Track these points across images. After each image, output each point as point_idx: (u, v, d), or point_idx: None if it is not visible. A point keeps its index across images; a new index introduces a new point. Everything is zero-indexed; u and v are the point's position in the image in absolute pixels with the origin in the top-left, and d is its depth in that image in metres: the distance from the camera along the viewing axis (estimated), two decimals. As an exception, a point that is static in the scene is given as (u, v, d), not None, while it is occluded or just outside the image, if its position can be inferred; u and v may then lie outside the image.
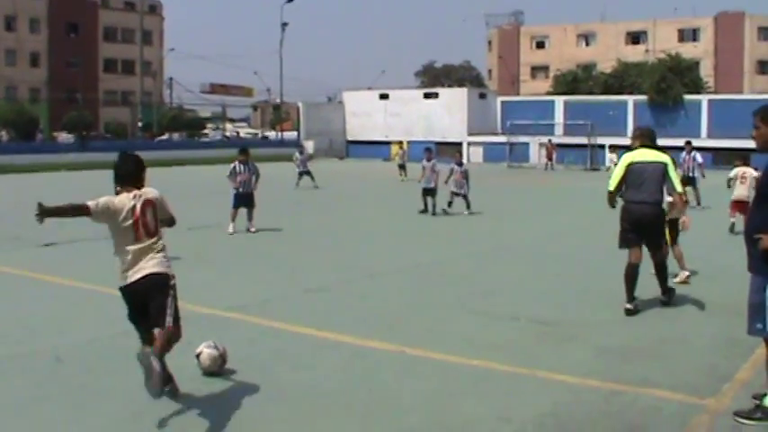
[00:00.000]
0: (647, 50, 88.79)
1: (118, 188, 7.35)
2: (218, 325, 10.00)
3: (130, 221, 7.13)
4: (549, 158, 50.89)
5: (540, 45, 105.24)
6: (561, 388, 7.53)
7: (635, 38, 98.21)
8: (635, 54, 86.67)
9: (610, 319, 10.33)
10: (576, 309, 10.96)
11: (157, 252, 7.28)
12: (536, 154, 54.55)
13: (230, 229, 19.10)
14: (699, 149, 26.64)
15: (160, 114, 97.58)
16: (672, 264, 11.88)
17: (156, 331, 7.02)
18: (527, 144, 56.05)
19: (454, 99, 62.20)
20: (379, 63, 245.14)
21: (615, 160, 26.99)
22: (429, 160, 24.11)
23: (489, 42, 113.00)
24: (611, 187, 10.61)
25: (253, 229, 19.31)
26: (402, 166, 39.31)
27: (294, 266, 14.63)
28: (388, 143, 59.97)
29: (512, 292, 12.18)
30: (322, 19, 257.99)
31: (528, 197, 29.48)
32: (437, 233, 19.54)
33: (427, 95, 65.28)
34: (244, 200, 19.47)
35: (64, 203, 7.32)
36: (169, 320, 7.03)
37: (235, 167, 19.58)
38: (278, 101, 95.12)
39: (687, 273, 12.72)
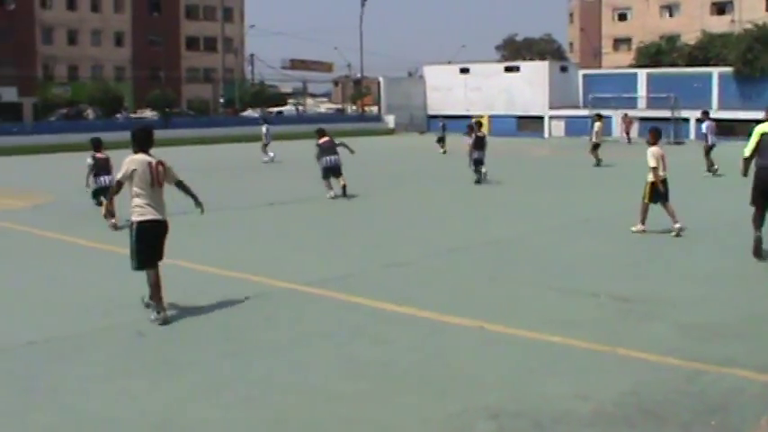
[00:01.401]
0: (732, 21, 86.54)
1: (136, 149, 9.53)
2: (298, 299, 10.08)
3: (148, 172, 9.29)
4: (627, 132, 50.07)
5: (623, 17, 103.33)
6: (642, 366, 7.42)
7: (720, 8, 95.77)
8: (720, 25, 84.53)
9: (694, 296, 10.16)
10: (659, 285, 10.79)
11: (162, 200, 9.53)
12: (619, 128, 53.70)
13: (331, 193, 20.73)
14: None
15: (242, 91, 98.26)
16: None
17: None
18: (609, 118, 55.22)
19: (535, 72, 61.49)
20: (460, 37, 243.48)
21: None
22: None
23: (571, 15, 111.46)
24: (747, 154, 12.34)
25: (342, 192, 20.78)
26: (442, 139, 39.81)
27: (373, 241, 14.66)
28: (468, 117, 59.64)
29: (592, 268, 12.05)
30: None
31: (608, 171, 29.06)
32: (514, 207, 19.40)
33: (508, 69, 64.62)
34: (333, 171, 21.04)
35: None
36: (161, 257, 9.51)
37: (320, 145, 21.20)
38: (358, 76, 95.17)
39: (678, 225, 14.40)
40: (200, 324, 9.00)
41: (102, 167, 17.18)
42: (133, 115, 78.77)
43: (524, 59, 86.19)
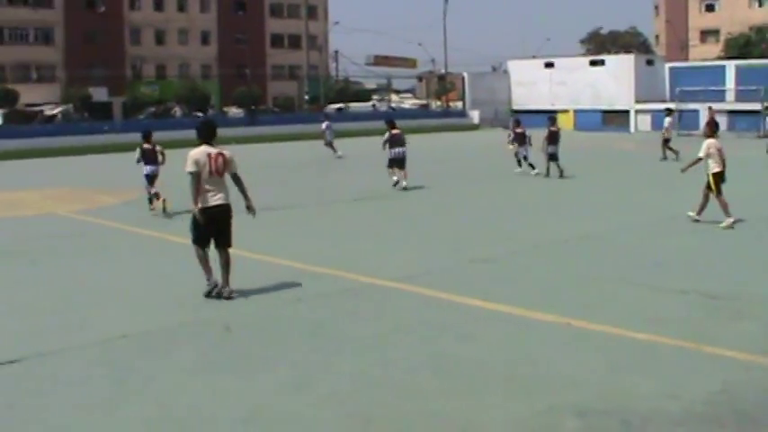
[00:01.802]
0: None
1: (199, 141, 10.43)
2: (384, 295, 10.14)
3: (207, 163, 10.15)
4: None
5: (710, 8, 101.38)
6: (732, 365, 7.31)
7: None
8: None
9: (786, 293, 9.98)
10: (751, 283, 10.59)
11: (223, 188, 10.31)
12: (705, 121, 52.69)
13: (395, 178, 21.97)
14: None
15: (326, 87, 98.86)
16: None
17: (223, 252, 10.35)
18: (697, 111, 54.13)
19: (621, 66, 60.65)
20: (544, 31, 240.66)
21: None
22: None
23: (656, 7, 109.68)
24: None
25: (404, 183, 21.75)
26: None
27: (457, 237, 14.65)
28: (553, 112, 59.21)
29: (680, 265, 11.88)
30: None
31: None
32: (598, 203, 19.21)
33: (593, 63, 63.87)
34: (397, 162, 22.16)
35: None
36: (230, 242, 10.42)
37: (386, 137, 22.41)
38: (442, 71, 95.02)
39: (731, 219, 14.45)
40: (286, 319, 9.12)
41: (148, 157, 18.68)
42: (205, 112, 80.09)
43: (609, 53, 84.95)
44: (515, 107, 64.18)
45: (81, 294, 10.84)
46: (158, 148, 18.92)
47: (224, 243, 10.34)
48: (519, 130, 25.32)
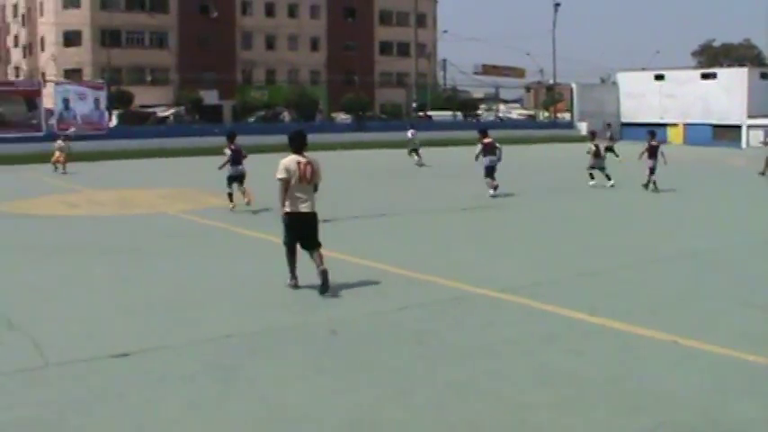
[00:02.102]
0: None
1: (291, 150, 10.92)
2: (490, 305, 10.11)
3: (296, 171, 10.65)
4: None
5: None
6: None
7: None
8: None
9: None
10: None
11: (310, 195, 10.82)
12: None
13: (492, 191, 22.57)
14: None
15: (434, 95, 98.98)
16: None
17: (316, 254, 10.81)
18: (815, 127, 52.61)
19: (733, 79, 59.32)
20: (654, 43, 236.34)
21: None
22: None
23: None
24: None
25: (491, 192, 22.49)
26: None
27: (562, 249, 14.51)
28: (663, 125, 58.20)
29: (795, 286, 11.57)
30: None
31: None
32: (706, 219, 18.82)
33: (705, 76, 62.64)
34: (489, 171, 22.91)
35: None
36: (318, 243, 10.88)
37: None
38: (550, 82, 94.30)
39: None
40: (391, 326, 9.16)
41: (234, 158, 19.86)
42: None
43: (722, 66, 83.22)
44: (624, 119, 63.37)
45: (189, 293, 11.07)
46: (244, 151, 20.27)
47: (313, 246, 10.88)
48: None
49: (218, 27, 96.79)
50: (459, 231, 16.82)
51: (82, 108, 50.70)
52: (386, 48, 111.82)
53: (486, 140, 23.32)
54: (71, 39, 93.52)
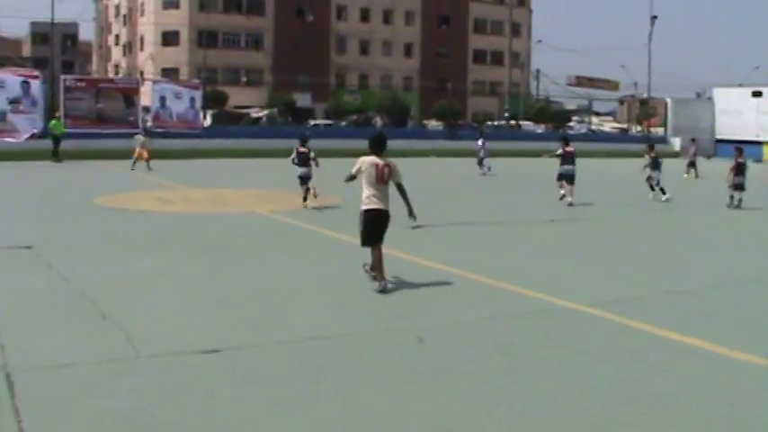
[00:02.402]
0: None
1: (369, 152, 11.48)
2: (578, 319, 9.99)
3: (374, 172, 11.28)
4: None
5: None
6: None
7: None
8: None
9: None
10: None
11: (386, 194, 11.42)
12: None
13: (562, 192, 23.76)
14: None
15: (526, 105, 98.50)
16: None
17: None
18: None
19: (835, 97, 57.83)
20: (753, 58, 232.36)
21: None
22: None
23: None
24: None
25: (568, 199, 23.29)
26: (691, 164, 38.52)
27: (652, 265, 14.26)
28: (759, 143, 56.92)
29: None
30: (693, 12, 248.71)
31: None
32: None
33: (804, 93, 61.20)
34: (567, 178, 23.89)
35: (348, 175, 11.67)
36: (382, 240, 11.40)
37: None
38: (644, 95, 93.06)
39: None
40: (478, 336, 9.11)
41: (301, 159, 21.18)
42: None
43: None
44: (719, 136, 62.15)
45: (277, 292, 11.20)
46: (312, 153, 21.36)
47: (379, 240, 11.49)
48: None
49: (313, 31, 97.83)
50: (548, 243, 16.67)
51: (177, 107, 51.58)
52: (479, 56, 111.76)
53: (568, 149, 24.31)
54: (169, 39, 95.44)
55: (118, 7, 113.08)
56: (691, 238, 18.26)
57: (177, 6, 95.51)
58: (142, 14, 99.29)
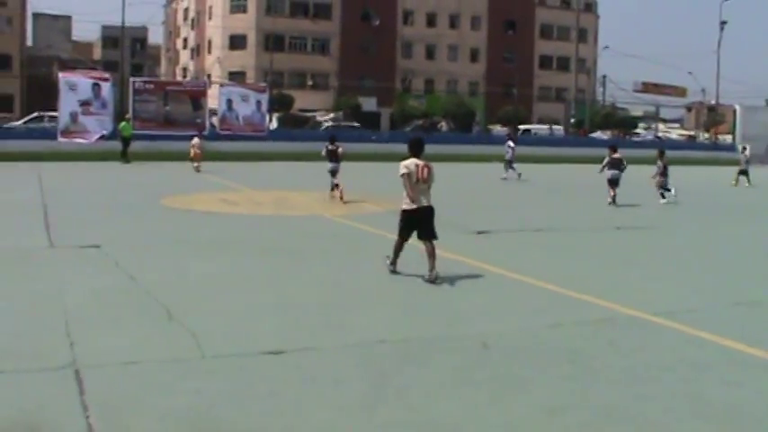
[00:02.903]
0: None
1: (410, 154, 12.49)
2: (644, 329, 9.86)
3: (414, 173, 12.27)
4: None
5: None
6: None
7: None
8: None
9: None
10: None
11: (427, 193, 12.43)
12: None
13: (608, 200, 25.14)
14: None
15: (593, 112, 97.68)
16: None
17: (427, 244, 12.28)
18: None
19: None
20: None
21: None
22: None
23: None
24: None
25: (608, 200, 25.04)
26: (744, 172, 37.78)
27: (720, 275, 14.04)
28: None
29: None
30: (763, 17, 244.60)
31: None
32: None
33: None
34: (613, 182, 25.42)
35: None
36: (435, 235, 12.34)
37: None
38: (712, 102, 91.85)
39: None
40: (543, 343, 9.05)
41: (332, 156, 24.70)
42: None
43: None
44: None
45: (341, 295, 11.26)
46: (340, 150, 24.92)
47: (429, 236, 12.29)
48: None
49: (379, 35, 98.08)
50: (613, 250, 16.50)
51: (244, 110, 52.09)
52: (545, 62, 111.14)
53: (615, 156, 25.76)
54: (236, 42, 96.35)
55: (186, 11, 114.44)
56: (760, 247, 17.93)
57: (245, 10, 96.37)
58: (210, 18, 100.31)
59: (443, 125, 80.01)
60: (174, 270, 12.71)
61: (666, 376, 7.96)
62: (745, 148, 40.06)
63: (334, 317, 9.92)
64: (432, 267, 12.05)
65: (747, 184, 36.70)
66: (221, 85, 58.03)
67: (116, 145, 41.12)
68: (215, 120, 52.84)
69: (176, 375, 7.47)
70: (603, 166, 26.00)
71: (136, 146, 41.17)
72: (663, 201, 26.26)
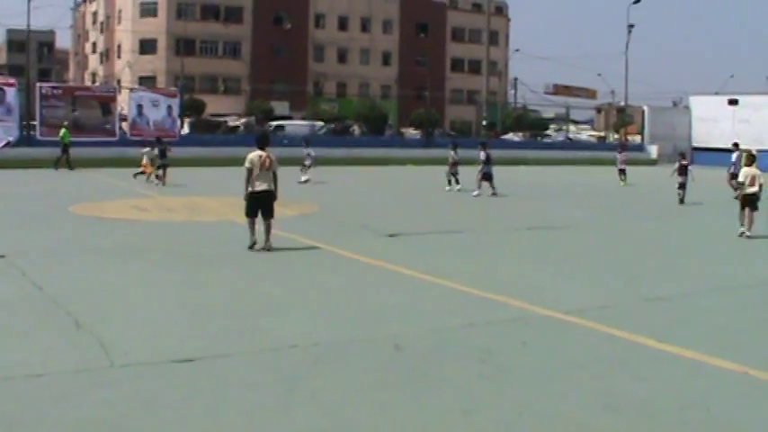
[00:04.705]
0: None
1: (257, 147, 15.21)
2: (556, 327, 9.96)
3: (258, 162, 14.92)
4: None
5: None
6: None
7: None
8: None
9: None
10: None
11: (267, 179, 15.03)
12: None
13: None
14: None
15: (504, 114, 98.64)
16: None
17: (265, 221, 15.10)
18: None
19: (810, 105, 58.22)
20: (728, 67, 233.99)
21: None
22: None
23: None
24: None
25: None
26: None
27: (634, 273, 14.27)
28: (749, 152, 57.04)
29: None
30: (669, 20, 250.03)
31: None
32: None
33: (780, 101, 61.65)
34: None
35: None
36: (272, 214, 15.13)
37: None
38: (622, 103, 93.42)
39: None
40: (456, 343, 9.06)
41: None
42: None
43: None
44: (695, 144, 62.45)
45: (253, 301, 11.15)
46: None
47: (267, 215, 15.07)
48: (684, 162, 28.50)
49: (291, 39, 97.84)
50: (525, 251, 16.66)
51: (155, 115, 51.40)
52: (457, 64, 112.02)
53: (684, 162, 28.36)
54: (147, 47, 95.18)
55: (95, 15, 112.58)
56: (671, 244, 18.28)
57: (155, 14, 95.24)
58: (119, 22, 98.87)
59: (356, 128, 79.97)
60: (82, 279, 12.46)
61: (579, 374, 8.05)
62: (622, 150, 41.41)
63: (246, 322, 9.81)
64: (267, 240, 15.01)
65: (623, 184, 37.63)
66: (131, 90, 57.10)
67: (22, 152, 40.37)
68: (125, 125, 52.02)
69: (84, 386, 7.29)
70: (673, 172, 28.53)
71: (43, 152, 40.43)
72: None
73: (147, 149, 33.79)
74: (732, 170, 29.72)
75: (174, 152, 35.53)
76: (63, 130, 40.87)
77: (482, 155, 29.05)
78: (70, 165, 39.27)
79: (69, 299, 10.75)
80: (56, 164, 39.22)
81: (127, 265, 13.58)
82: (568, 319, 10.28)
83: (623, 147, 44.01)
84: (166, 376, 7.64)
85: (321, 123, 76.30)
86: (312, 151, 35.02)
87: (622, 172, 38.05)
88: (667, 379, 7.99)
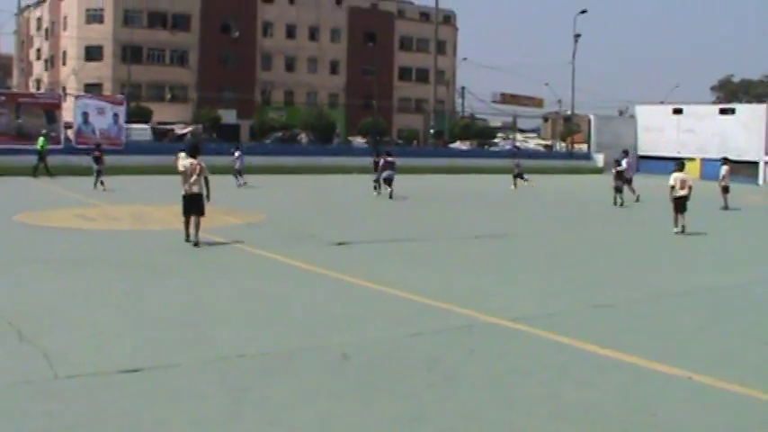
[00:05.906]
0: None
1: (189, 155, 17.60)
2: (503, 335, 10.03)
3: (190, 168, 16.89)
4: None
5: None
6: None
7: None
8: None
9: None
10: None
11: (198, 183, 16.93)
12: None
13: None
14: None
15: (452, 123, 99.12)
16: None
17: (195, 218, 16.98)
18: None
19: (752, 116, 59.05)
20: (673, 77, 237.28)
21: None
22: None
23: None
24: None
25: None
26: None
27: (579, 280, 14.42)
28: (680, 159, 57.83)
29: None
30: (615, 30, 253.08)
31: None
32: (726, 255, 18.67)
33: (723, 111, 62.54)
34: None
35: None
36: (202, 213, 17.00)
37: None
38: (569, 112, 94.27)
39: None
40: (403, 352, 9.09)
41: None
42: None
43: (740, 102, 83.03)
44: (641, 152, 63.20)
45: (200, 311, 11.04)
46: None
47: (197, 213, 16.94)
48: (619, 169, 31.58)
49: (238, 47, 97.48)
50: (472, 259, 16.74)
51: (101, 122, 50.84)
52: (405, 73, 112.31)
53: (619, 168, 31.04)
54: (93, 53, 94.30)
55: (40, 20, 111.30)
56: (619, 253, 18.46)
57: (101, 21, 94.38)
58: (65, 28, 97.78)
59: (304, 137, 79.92)
60: (26, 289, 12.28)
61: (525, 381, 8.10)
62: (515, 155, 43.91)
63: (193, 332, 9.73)
64: (196, 235, 16.87)
65: (514, 188, 38.92)
66: (77, 98, 56.45)
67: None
68: (70, 133, 51.45)
69: (26, 398, 7.18)
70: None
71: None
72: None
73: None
74: (723, 183, 31.45)
75: (120, 160, 35.29)
76: (41, 139, 40.53)
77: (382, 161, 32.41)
78: (49, 172, 39.19)
79: (12, 310, 10.59)
80: (34, 172, 39.01)
81: (72, 276, 13.43)
82: (515, 327, 10.35)
83: (515, 155, 48.35)
84: (113, 387, 7.56)
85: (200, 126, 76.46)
86: (239, 153, 37.50)
87: (519, 175, 40.29)
88: (613, 385, 8.08)
